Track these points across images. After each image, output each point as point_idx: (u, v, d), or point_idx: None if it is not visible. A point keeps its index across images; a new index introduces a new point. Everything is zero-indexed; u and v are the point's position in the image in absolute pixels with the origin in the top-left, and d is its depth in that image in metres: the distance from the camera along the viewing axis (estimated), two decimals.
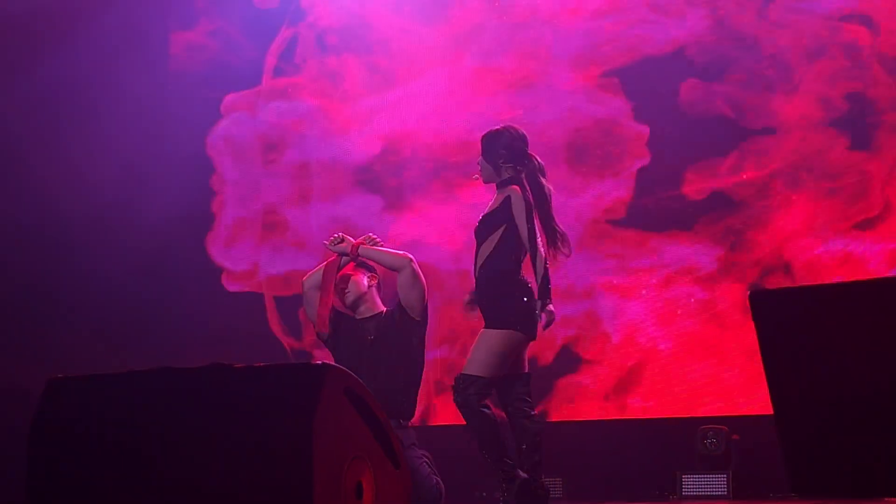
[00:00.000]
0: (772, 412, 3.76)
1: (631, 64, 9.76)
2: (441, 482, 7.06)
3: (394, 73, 10.54)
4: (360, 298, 7.21)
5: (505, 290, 6.48)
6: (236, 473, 4.30)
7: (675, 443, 9.13)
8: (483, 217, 6.67)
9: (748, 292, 3.82)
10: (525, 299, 6.44)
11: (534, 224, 6.46)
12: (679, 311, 9.46)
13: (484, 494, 9.52)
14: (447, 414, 9.81)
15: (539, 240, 6.45)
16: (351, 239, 7.10)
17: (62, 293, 9.89)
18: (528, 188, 6.58)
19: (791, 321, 3.68)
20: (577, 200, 9.68)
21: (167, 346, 9.95)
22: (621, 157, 9.72)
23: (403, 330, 7.06)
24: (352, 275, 7.20)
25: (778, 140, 9.27)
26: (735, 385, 9.19)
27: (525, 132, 6.77)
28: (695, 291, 9.44)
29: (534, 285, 6.47)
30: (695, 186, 9.45)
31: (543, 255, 6.43)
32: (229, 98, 10.90)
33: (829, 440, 3.63)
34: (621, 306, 9.61)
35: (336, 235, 7.17)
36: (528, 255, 6.50)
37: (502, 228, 6.52)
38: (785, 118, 9.27)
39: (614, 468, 9.26)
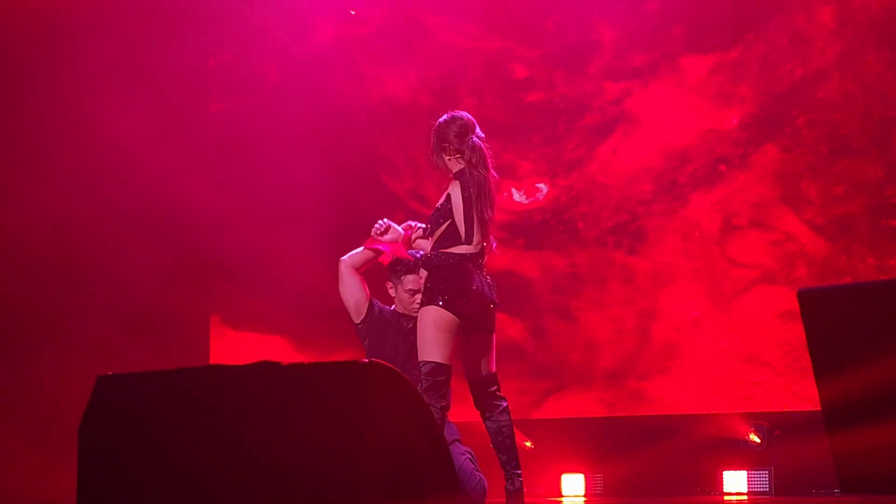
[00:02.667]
0: (814, 408, 3.77)
1: None
2: (484, 478, 7.07)
3: None
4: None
5: (441, 274, 6.40)
6: (284, 471, 4.32)
7: (718, 439, 9.11)
8: (433, 211, 6.61)
9: (797, 290, 3.82)
10: (453, 285, 6.36)
11: (472, 220, 6.41)
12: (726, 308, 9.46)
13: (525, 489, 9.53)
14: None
15: (475, 229, 6.40)
16: (398, 228, 6.99)
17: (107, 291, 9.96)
18: (471, 177, 6.49)
19: (839, 318, 3.69)
20: None
21: None
22: None
23: None
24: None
25: None
26: (778, 381, 9.17)
27: (472, 117, 6.68)
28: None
29: (473, 273, 6.38)
30: None
31: (476, 241, 6.40)
32: None
33: (877, 437, 3.63)
34: (665, 305, 9.61)
35: (382, 223, 7.05)
36: (486, 240, 6.45)
37: (448, 222, 6.47)
38: None
39: (656, 465, 9.26)
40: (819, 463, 8.23)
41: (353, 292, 7.17)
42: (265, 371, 4.53)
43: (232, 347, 10.94)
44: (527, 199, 10.03)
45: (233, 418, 4.44)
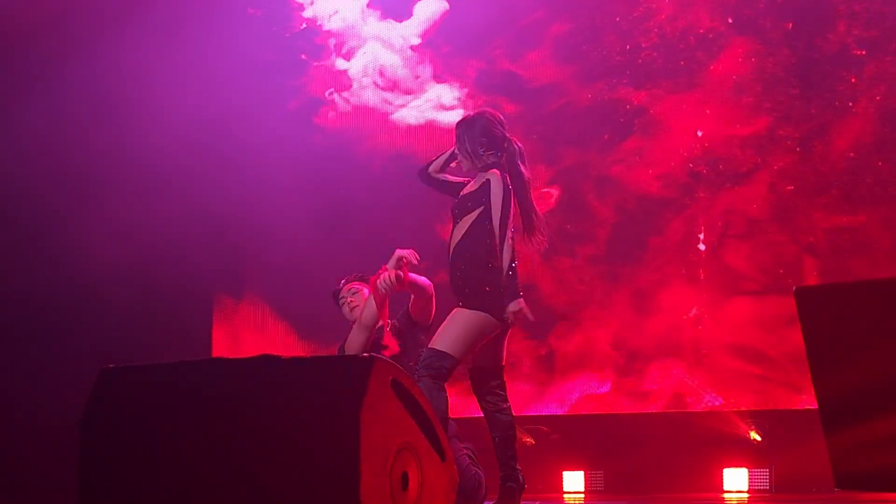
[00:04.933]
0: (814, 407, 3.78)
1: None
2: (482, 475, 7.08)
3: None
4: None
5: (477, 274, 6.30)
6: (283, 464, 4.34)
7: (719, 436, 9.12)
8: (462, 196, 6.50)
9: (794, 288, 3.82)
10: (489, 287, 6.27)
11: (509, 213, 6.29)
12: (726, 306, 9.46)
13: (525, 486, 9.54)
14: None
15: (510, 231, 6.30)
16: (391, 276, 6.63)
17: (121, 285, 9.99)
18: (507, 174, 6.40)
19: (836, 317, 3.70)
20: None
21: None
22: None
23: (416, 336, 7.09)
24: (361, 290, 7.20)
25: None
26: (778, 379, 9.17)
27: (502, 116, 6.60)
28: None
29: (507, 278, 6.30)
30: None
31: (512, 247, 6.31)
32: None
33: (873, 434, 3.64)
34: (666, 301, 9.61)
35: (386, 282, 6.83)
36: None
37: (479, 210, 6.35)
38: None
39: (656, 462, 9.27)
40: (819, 461, 8.29)
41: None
42: (266, 364, 4.55)
43: (234, 339, 10.97)
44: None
45: (233, 411, 4.46)
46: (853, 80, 9.21)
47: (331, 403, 4.32)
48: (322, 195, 10.43)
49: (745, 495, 8.91)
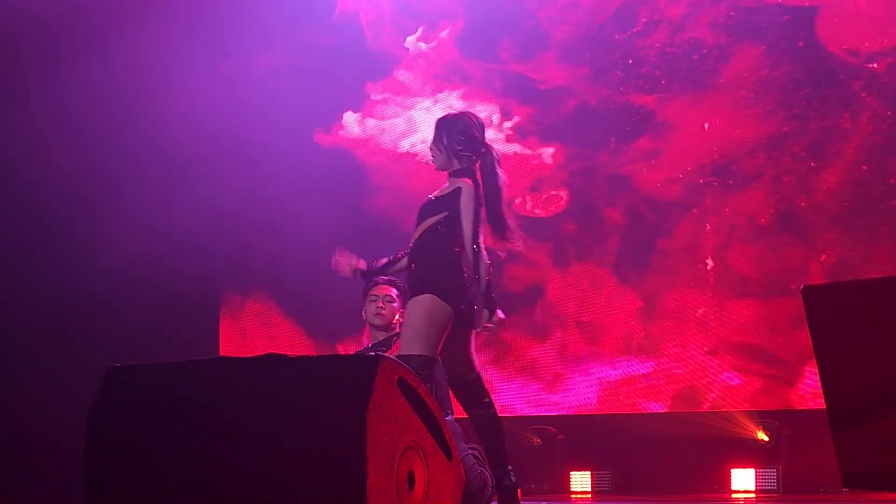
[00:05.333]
0: (821, 407, 3.77)
1: None
2: (488, 474, 7.07)
3: None
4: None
5: (432, 260, 6.28)
6: (290, 462, 4.34)
7: (726, 436, 9.10)
8: (431, 199, 6.48)
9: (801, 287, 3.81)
10: (441, 278, 6.21)
11: (478, 225, 6.25)
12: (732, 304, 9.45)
13: (533, 486, 9.55)
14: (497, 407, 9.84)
15: (481, 241, 6.25)
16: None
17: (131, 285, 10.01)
18: (479, 181, 6.37)
19: (844, 315, 3.68)
20: None
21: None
22: None
23: None
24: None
25: None
26: (786, 379, 9.16)
27: (482, 120, 6.57)
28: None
29: (470, 279, 6.23)
30: None
31: (483, 259, 6.25)
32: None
33: (881, 433, 3.63)
34: (674, 299, 9.61)
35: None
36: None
37: (443, 214, 6.31)
38: None
39: (663, 462, 9.25)
40: (828, 461, 8.27)
41: None
42: (271, 363, 4.55)
43: (242, 335, 10.98)
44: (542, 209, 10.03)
45: (239, 410, 4.46)
46: (864, 87, 9.20)
47: (337, 403, 4.32)
48: (331, 193, 10.43)
49: (753, 495, 8.89)
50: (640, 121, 9.84)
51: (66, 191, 9.89)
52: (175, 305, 10.21)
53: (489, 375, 9.93)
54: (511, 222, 6.42)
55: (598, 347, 9.76)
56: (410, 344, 6.15)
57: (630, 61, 9.92)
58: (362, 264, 6.64)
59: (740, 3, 9.61)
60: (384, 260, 6.61)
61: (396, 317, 7.26)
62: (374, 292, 7.26)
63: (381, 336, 7.27)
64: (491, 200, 6.37)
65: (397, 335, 7.15)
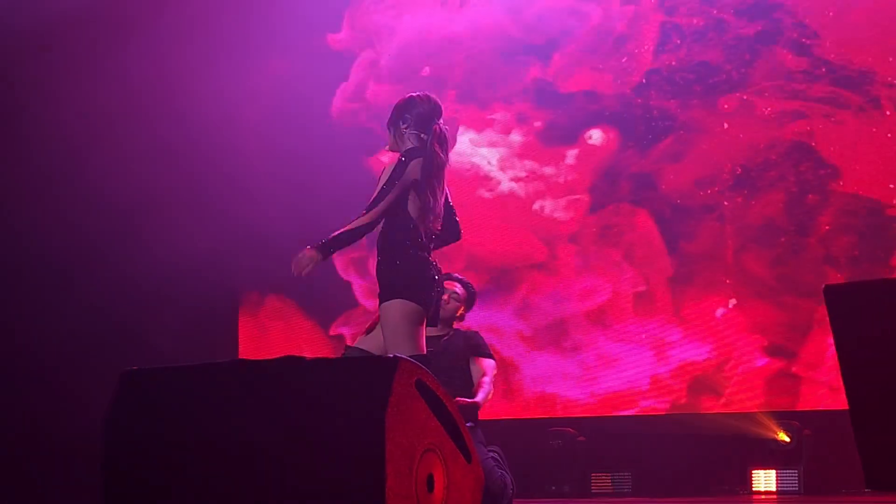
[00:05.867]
0: (843, 407, 3.73)
1: None
2: (508, 477, 7.05)
3: None
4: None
5: (393, 260, 6.12)
6: (308, 465, 4.32)
7: (746, 438, 9.07)
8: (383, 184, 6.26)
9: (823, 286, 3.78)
10: (406, 270, 6.07)
11: (387, 195, 6.05)
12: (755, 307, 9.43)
13: (553, 488, 9.53)
14: (513, 408, 9.83)
15: (378, 209, 6.05)
16: None
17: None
18: (435, 160, 6.20)
19: (866, 315, 3.65)
20: None
21: None
22: None
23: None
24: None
25: None
26: (807, 380, 9.13)
27: (440, 103, 6.39)
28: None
29: (422, 258, 6.09)
30: None
31: (364, 221, 6.03)
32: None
33: None
34: (694, 300, 9.58)
35: None
36: (425, 226, 6.27)
37: (395, 193, 6.11)
38: None
39: (684, 463, 9.22)
40: (849, 462, 8.24)
41: None
42: (290, 366, 4.53)
43: (261, 335, 10.98)
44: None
45: (257, 413, 4.45)
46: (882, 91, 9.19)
47: (356, 405, 4.30)
48: (351, 190, 10.42)
49: (774, 496, 8.85)
50: (662, 124, 9.82)
51: (75, 189, 9.93)
52: (193, 303, 10.20)
53: (510, 375, 9.91)
54: (432, 202, 6.31)
55: (618, 348, 9.73)
56: (398, 349, 6.09)
57: (653, 66, 9.91)
58: (310, 251, 6.39)
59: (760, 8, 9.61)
60: (336, 232, 6.39)
61: (459, 312, 7.30)
62: (445, 285, 7.22)
63: (434, 331, 7.20)
64: (423, 180, 6.31)
65: (449, 336, 7.15)
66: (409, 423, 4.36)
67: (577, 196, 10.02)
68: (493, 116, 10.44)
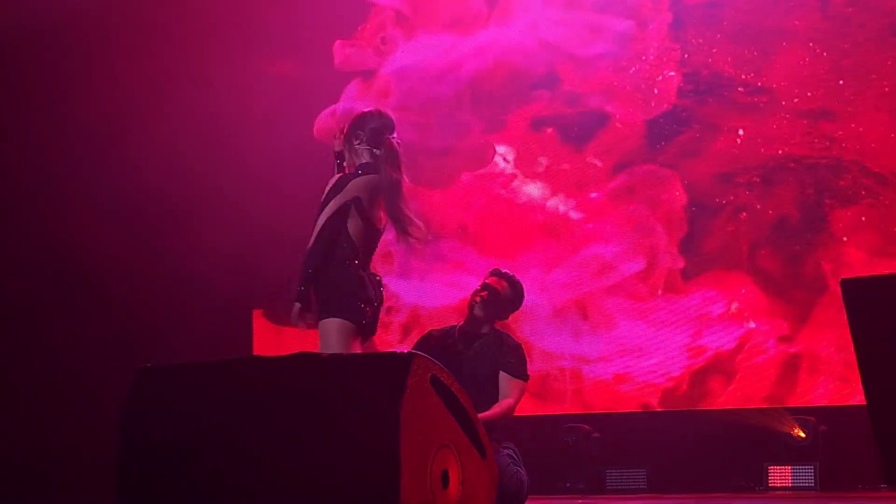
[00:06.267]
0: (860, 402, 3.72)
1: None
2: (523, 473, 7.03)
3: None
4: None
5: (331, 278, 6.17)
6: (323, 461, 4.32)
7: (763, 433, 9.06)
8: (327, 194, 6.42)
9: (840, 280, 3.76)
10: (343, 288, 6.14)
11: (321, 215, 6.18)
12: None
13: (568, 485, 9.52)
14: (531, 405, 9.82)
15: (315, 234, 6.18)
16: None
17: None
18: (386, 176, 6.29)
19: (883, 308, 3.63)
20: None
21: None
22: None
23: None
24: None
25: None
26: (823, 375, 9.11)
27: (392, 118, 6.49)
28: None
29: (359, 277, 6.16)
30: None
31: (308, 249, 6.18)
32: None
33: None
34: (709, 298, 9.57)
35: None
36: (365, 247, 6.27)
37: (337, 207, 6.23)
38: None
39: (699, 459, 9.20)
40: (865, 458, 8.22)
41: None
42: (304, 362, 4.53)
43: (276, 331, 10.97)
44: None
45: (272, 410, 4.44)
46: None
47: (370, 401, 4.29)
48: None
49: (790, 492, 8.84)
50: (679, 122, 9.81)
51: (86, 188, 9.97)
52: (208, 299, 10.20)
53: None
54: (409, 214, 6.36)
55: (635, 345, 9.72)
56: None
57: (670, 66, 9.89)
58: (294, 308, 6.44)
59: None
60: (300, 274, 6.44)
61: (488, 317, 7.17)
62: (486, 280, 7.17)
63: (469, 327, 7.13)
64: (387, 196, 6.31)
65: (482, 340, 7.11)
66: (424, 419, 4.35)
67: (595, 194, 10.02)
68: (507, 118, 10.41)
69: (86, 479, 8.78)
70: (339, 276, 6.16)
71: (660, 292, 9.72)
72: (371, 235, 6.27)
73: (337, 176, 6.41)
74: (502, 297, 7.08)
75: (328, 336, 6.07)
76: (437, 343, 7.08)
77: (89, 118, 9.99)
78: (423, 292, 10.32)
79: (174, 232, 10.06)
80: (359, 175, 6.30)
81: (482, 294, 7.05)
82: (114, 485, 4.62)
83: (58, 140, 9.98)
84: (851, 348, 3.78)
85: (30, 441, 9.31)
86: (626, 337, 9.76)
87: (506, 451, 6.96)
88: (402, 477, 4.17)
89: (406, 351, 4.47)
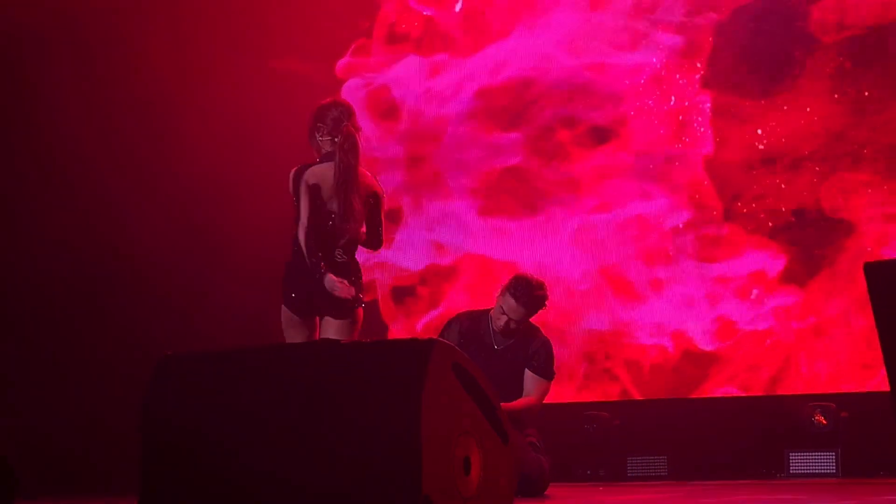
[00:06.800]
0: (880, 389, 3.70)
1: None
2: (544, 460, 7.04)
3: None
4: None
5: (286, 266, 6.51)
6: (344, 449, 4.32)
7: (783, 420, 9.04)
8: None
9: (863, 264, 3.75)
10: (288, 275, 6.41)
11: (304, 203, 6.40)
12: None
13: (589, 472, 9.52)
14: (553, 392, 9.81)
15: (304, 216, 6.38)
16: None
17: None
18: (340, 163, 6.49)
19: None
20: None
21: None
22: None
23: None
24: None
25: None
26: (845, 361, 9.09)
27: (350, 105, 6.72)
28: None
29: (301, 266, 6.34)
30: None
31: (302, 234, 6.33)
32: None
33: None
34: (727, 282, 9.56)
35: None
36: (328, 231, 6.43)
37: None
38: None
39: (720, 446, 9.19)
40: (887, 445, 8.20)
41: None
42: (325, 349, 4.53)
43: None
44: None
45: (293, 397, 4.44)
46: None
47: (391, 388, 4.29)
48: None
49: (811, 479, 8.82)
50: (692, 112, 9.81)
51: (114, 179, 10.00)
52: (233, 284, 10.21)
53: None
54: (357, 206, 6.47)
55: (653, 331, 9.71)
56: None
57: (687, 57, 9.88)
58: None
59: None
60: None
61: (511, 326, 7.19)
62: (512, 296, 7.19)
63: (502, 331, 7.17)
64: (336, 182, 6.45)
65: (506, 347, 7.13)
66: (446, 405, 4.35)
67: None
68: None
69: (109, 464, 8.83)
70: (289, 265, 6.43)
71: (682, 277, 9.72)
72: (323, 223, 6.41)
73: (294, 169, 6.59)
74: (530, 313, 7.16)
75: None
76: (469, 333, 7.11)
77: (125, 107, 10.05)
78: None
79: (209, 221, 10.06)
80: (317, 163, 6.50)
81: (514, 320, 7.09)
82: (137, 472, 4.64)
83: (96, 126, 10.01)
84: (874, 333, 3.76)
85: (56, 427, 9.36)
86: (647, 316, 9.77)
87: (528, 438, 6.98)
88: (424, 463, 4.17)
89: (427, 338, 4.47)
